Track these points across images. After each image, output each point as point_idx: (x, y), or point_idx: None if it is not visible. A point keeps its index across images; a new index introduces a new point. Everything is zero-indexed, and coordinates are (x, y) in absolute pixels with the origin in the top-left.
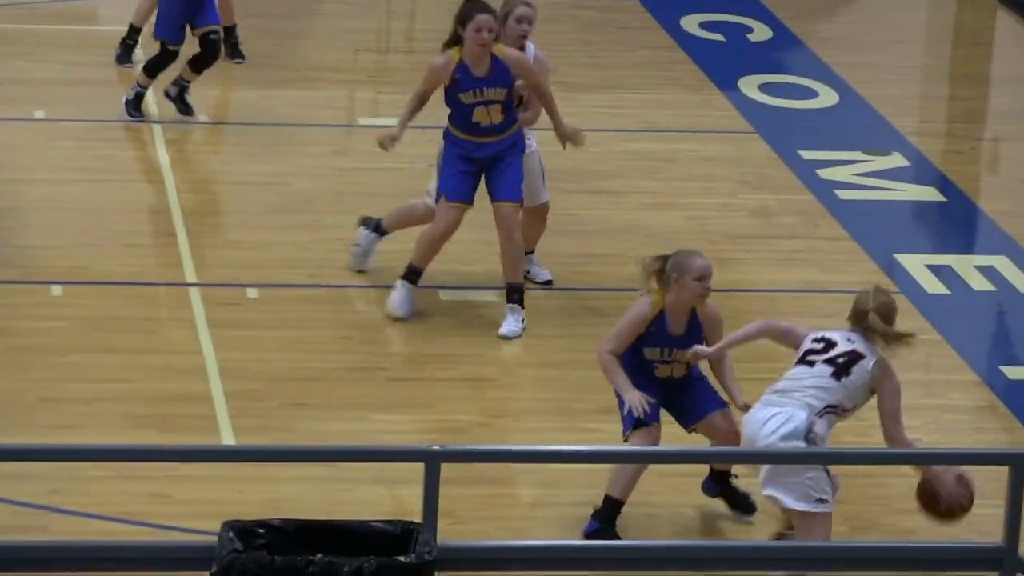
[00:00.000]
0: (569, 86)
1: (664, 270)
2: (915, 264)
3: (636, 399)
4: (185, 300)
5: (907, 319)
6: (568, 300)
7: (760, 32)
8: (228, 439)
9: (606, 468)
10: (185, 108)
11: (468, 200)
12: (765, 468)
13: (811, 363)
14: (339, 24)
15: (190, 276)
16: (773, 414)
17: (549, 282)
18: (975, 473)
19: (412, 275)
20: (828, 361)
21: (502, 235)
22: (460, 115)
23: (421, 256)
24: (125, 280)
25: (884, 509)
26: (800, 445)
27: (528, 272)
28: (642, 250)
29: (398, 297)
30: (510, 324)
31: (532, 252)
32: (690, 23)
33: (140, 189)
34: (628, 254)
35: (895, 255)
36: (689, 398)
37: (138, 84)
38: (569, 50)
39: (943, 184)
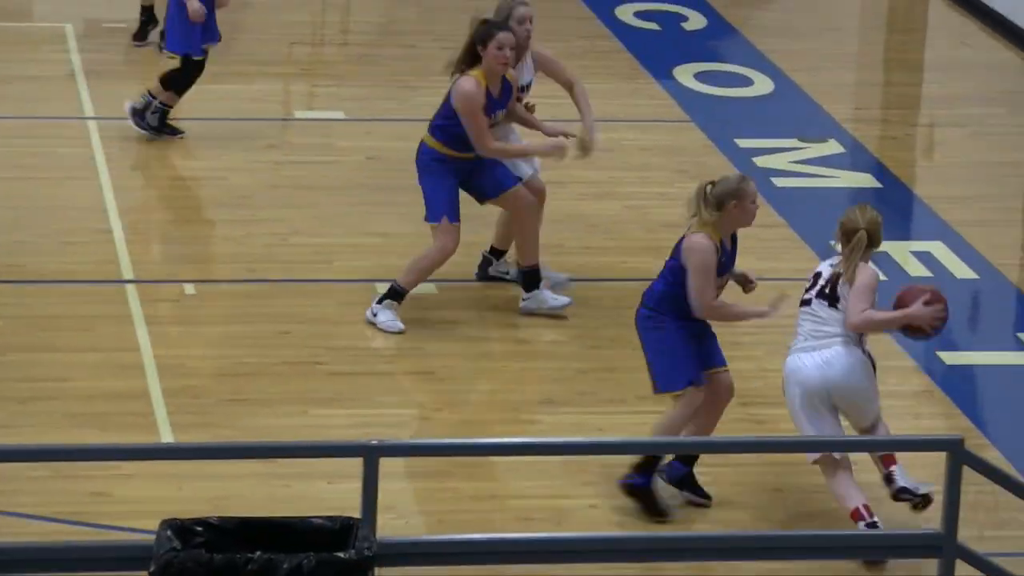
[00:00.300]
0: None
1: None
2: None
3: (767, 311)
4: (122, 297)
5: None
6: (508, 292)
7: (695, 20)
8: (167, 436)
9: (549, 460)
10: (173, 130)
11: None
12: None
13: (807, 302)
14: (273, 17)
15: (127, 273)
16: (831, 356)
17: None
18: (917, 456)
19: (397, 296)
20: (819, 294)
21: (533, 216)
22: (462, 137)
23: (413, 281)
24: (61, 278)
25: (826, 498)
26: (871, 367)
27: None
28: (583, 240)
29: (390, 320)
30: (557, 297)
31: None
32: (624, 12)
33: (75, 186)
34: (568, 244)
35: (832, 242)
36: (703, 348)
37: (163, 104)
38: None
39: (878, 171)
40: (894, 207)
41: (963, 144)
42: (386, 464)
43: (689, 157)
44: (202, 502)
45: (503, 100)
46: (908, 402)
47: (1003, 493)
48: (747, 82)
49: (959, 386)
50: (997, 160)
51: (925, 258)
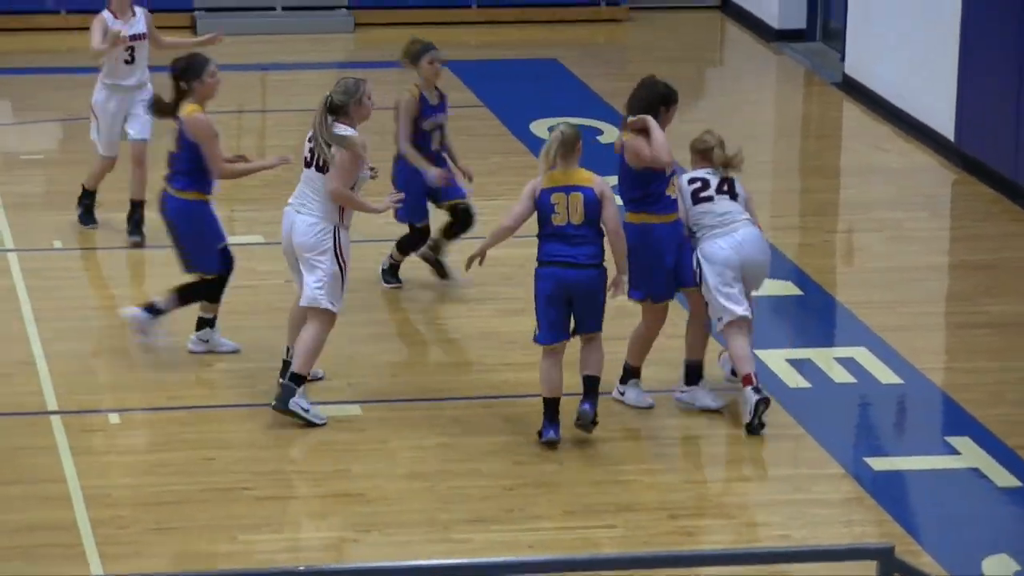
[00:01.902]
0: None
1: None
2: (775, 359)
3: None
4: (47, 428)
5: (769, 414)
6: (432, 410)
7: (610, 134)
8: (96, 567)
9: None
10: (397, 280)
11: None
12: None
13: (710, 199)
14: None
15: (51, 404)
16: (743, 237)
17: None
18: (848, 565)
19: (636, 374)
20: (721, 193)
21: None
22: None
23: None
24: None
25: None
26: None
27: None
28: (503, 356)
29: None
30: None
31: None
32: (540, 128)
33: None
34: (487, 361)
35: (755, 350)
36: None
37: (391, 257)
38: None
39: (799, 278)
40: (816, 314)
41: (882, 248)
42: None
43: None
44: None
45: None
46: (838, 510)
47: None
48: None
49: (889, 492)
50: (917, 264)
51: (849, 364)
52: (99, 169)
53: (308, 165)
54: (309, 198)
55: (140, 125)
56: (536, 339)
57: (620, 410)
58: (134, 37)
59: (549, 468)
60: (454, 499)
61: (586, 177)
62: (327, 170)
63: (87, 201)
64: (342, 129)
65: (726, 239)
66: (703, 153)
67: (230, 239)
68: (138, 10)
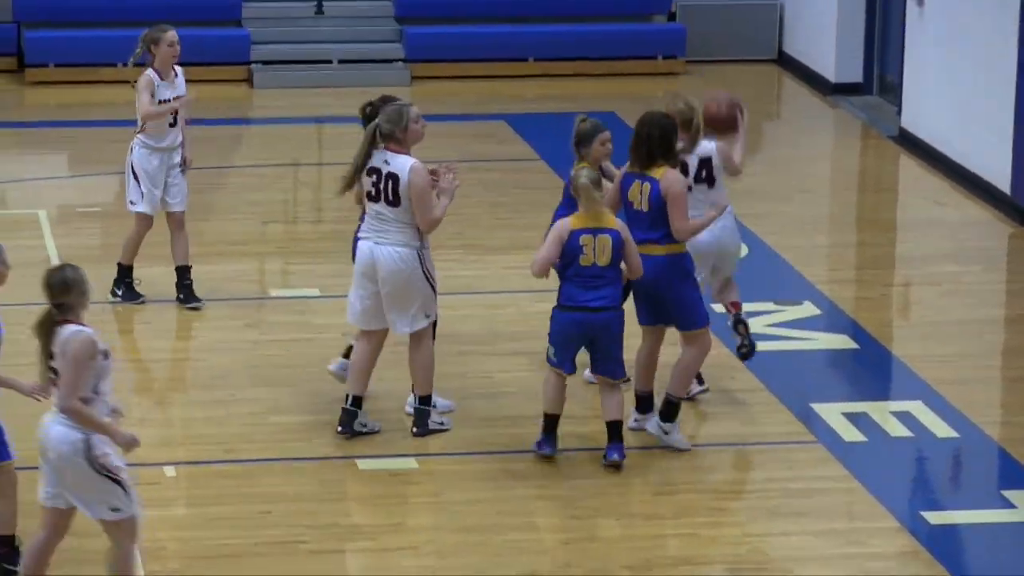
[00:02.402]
0: (481, 248)
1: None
2: (831, 413)
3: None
4: None
5: (825, 468)
6: (487, 464)
7: None
8: None
9: None
10: None
11: None
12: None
13: (688, 188)
14: (245, 196)
15: None
16: (726, 226)
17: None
18: None
19: (678, 410)
20: (699, 182)
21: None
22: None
23: (686, 387)
24: None
25: None
26: None
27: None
28: (591, 408)
29: (682, 439)
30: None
31: None
32: None
33: None
34: (575, 413)
35: (811, 404)
36: None
37: None
38: (477, 213)
39: (855, 331)
40: (872, 367)
41: (939, 302)
42: None
43: None
44: None
45: None
46: (893, 563)
47: None
48: None
49: (945, 546)
50: (974, 317)
51: (905, 418)
52: (136, 234)
53: (375, 199)
54: (386, 230)
55: (179, 194)
56: (552, 362)
57: (678, 464)
58: (176, 99)
59: (605, 522)
60: (509, 553)
61: (612, 220)
62: (397, 203)
63: (128, 280)
64: (395, 157)
65: (708, 232)
66: (683, 124)
67: (286, 292)
68: (178, 70)
